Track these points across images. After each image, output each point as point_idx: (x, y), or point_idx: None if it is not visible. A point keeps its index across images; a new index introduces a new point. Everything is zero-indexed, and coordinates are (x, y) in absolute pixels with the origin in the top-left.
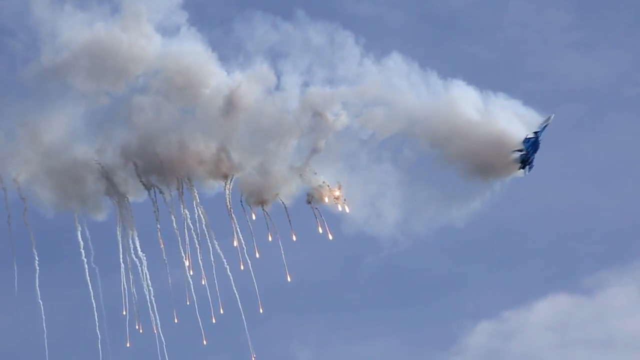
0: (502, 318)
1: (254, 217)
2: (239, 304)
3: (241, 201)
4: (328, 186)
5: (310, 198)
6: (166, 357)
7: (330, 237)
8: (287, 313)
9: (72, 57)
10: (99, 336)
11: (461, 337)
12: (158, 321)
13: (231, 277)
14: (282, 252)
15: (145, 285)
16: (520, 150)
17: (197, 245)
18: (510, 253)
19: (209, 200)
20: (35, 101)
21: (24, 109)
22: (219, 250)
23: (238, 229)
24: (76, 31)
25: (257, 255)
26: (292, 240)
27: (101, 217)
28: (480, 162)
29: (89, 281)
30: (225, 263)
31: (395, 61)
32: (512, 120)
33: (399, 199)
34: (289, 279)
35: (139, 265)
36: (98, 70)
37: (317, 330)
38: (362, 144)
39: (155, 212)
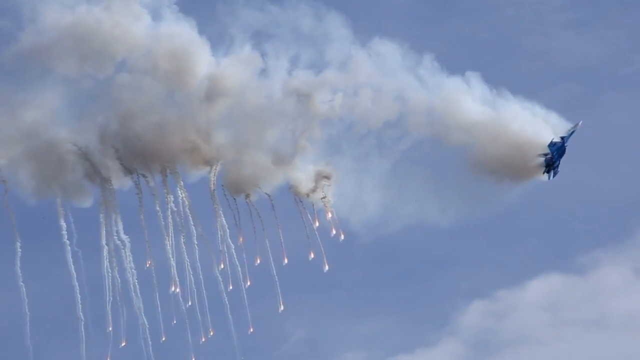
0: (495, 297)
1: (236, 205)
2: (221, 285)
3: (223, 189)
4: (318, 192)
5: (295, 190)
6: (149, 339)
7: (317, 224)
8: (281, 292)
9: (54, 40)
10: (82, 319)
11: (454, 316)
12: (141, 304)
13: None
14: (267, 237)
15: (128, 268)
16: (546, 154)
17: (180, 229)
18: (504, 233)
19: (193, 186)
20: (16, 84)
21: (4, 91)
22: (202, 234)
23: (222, 212)
24: (59, 13)
25: (241, 240)
26: (277, 226)
27: (86, 203)
28: (487, 158)
29: (71, 264)
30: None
31: (388, 45)
32: (519, 117)
33: (388, 188)
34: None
35: (122, 248)
36: (80, 53)
37: (311, 309)
38: (351, 132)
39: (138, 195)
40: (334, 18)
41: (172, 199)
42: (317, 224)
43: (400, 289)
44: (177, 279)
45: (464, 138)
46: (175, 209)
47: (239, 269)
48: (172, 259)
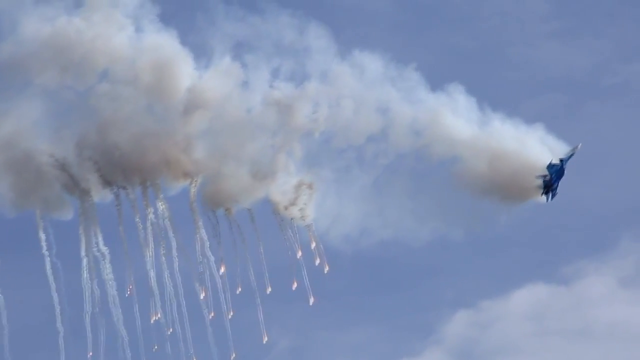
0: (480, 307)
1: (216, 219)
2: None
3: (202, 203)
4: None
5: (275, 207)
6: (128, 351)
7: (300, 253)
8: (267, 301)
9: (33, 51)
10: (61, 330)
11: (439, 326)
12: (120, 315)
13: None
14: (248, 253)
15: (107, 280)
16: (544, 176)
17: (160, 241)
18: (488, 243)
19: (173, 199)
20: None
21: None
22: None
23: (202, 224)
24: (38, 25)
25: (222, 269)
26: (258, 242)
27: (66, 216)
28: (476, 176)
29: (50, 275)
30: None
31: (371, 57)
32: (505, 133)
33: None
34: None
35: (101, 259)
36: (60, 64)
37: (296, 319)
38: (332, 145)
39: (118, 207)
40: (316, 29)
41: (152, 211)
42: (300, 253)
43: (385, 299)
44: (156, 291)
45: (448, 153)
46: (155, 221)
47: (222, 296)
48: (151, 270)
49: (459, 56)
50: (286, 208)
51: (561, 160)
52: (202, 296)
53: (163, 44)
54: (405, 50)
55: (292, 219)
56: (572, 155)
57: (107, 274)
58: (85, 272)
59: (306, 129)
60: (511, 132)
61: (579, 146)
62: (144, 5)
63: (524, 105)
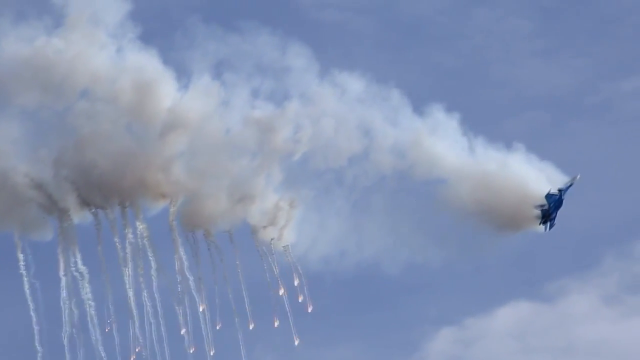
0: (464, 325)
1: (195, 241)
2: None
3: (181, 224)
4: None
5: (255, 229)
6: None
7: (282, 290)
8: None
9: (12, 72)
10: (40, 350)
11: (423, 343)
12: (98, 336)
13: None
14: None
15: (85, 300)
16: (542, 206)
17: (139, 262)
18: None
19: (153, 219)
20: None
21: None
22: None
23: (180, 244)
24: (17, 45)
25: (202, 307)
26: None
27: (46, 237)
28: (465, 202)
29: (28, 295)
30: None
31: (353, 77)
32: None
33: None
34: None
35: (80, 279)
36: (40, 84)
37: (280, 335)
38: (312, 166)
39: (97, 227)
40: (297, 48)
41: (131, 231)
42: (282, 290)
43: (369, 316)
44: (135, 312)
45: (430, 175)
46: (134, 241)
47: (203, 332)
48: (130, 289)
49: (443, 75)
50: (265, 229)
51: (560, 191)
52: (182, 331)
53: (143, 63)
54: (388, 69)
55: (271, 240)
56: (570, 185)
57: (85, 294)
58: (63, 292)
59: (286, 149)
60: (494, 155)
61: (578, 177)
62: (124, 25)
63: (507, 124)
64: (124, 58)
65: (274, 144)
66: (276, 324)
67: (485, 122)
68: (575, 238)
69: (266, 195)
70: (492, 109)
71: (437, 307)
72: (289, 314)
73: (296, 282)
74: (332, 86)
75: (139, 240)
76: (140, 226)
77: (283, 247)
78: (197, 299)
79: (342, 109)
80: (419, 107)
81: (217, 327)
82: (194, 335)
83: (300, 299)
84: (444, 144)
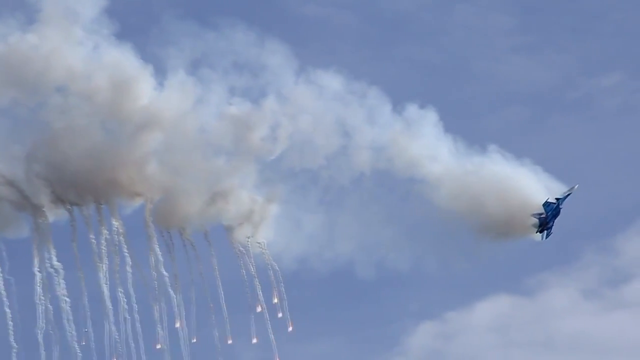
0: (444, 319)
1: (171, 239)
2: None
3: (157, 222)
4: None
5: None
6: None
7: (260, 308)
8: (229, 311)
9: None
10: (15, 346)
11: (404, 337)
12: (74, 332)
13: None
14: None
15: (60, 296)
16: (540, 214)
17: (114, 259)
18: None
19: (128, 217)
20: None
21: None
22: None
23: (155, 242)
24: None
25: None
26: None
27: (21, 234)
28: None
29: (3, 291)
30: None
31: (332, 73)
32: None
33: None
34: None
35: (55, 275)
36: (14, 81)
37: (260, 329)
38: (289, 165)
39: (72, 224)
40: (275, 45)
41: (106, 227)
42: (259, 308)
43: (349, 311)
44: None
45: (408, 173)
46: (109, 238)
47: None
48: (105, 285)
49: (424, 70)
50: (241, 228)
51: (558, 200)
52: (157, 346)
53: (118, 60)
54: (369, 65)
55: (247, 238)
56: (568, 194)
57: (60, 290)
58: (38, 288)
59: (263, 147)
60: (474, 154)
61: (576, 187)
62: (99, 21)
63: (487, 120)
64: (100, 54)
65: (250, 142)
66: (254, 340)
67: (465, 119)
68: (555, 232)
69: (242, 194)
70: (473, 105)
71: (418, 301)
72: (269, 329)
73: (280, 315)
74: (310, 83)
75: (115, 237)
76: (116, 223)
77: (259, 245)
78: (173, 296)
79: (320, 107)
80: (398, 104)
81: (193, 340)
82: (169, 332)
83: (280, 315)
84: (423, 142)
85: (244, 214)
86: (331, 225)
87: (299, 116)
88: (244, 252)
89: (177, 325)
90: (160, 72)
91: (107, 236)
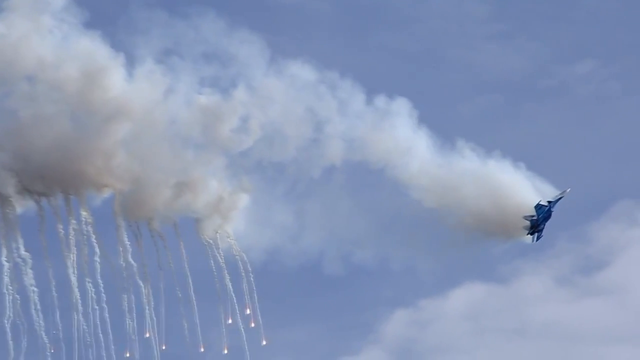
0: (418, 306)
1: (138, 229)
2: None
3: (125, 214)
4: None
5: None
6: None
7: (230, 320)
8: (203, 299)
9: None
10: None
11: (378, 325)
12: (42, 322)
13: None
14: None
15: (28, 286)
16: (532, 216)
17: (83, 247)
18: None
19: (96, 209)
20: None
21: None
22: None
23: (124, 231)
24: None
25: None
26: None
27: None
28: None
29: None
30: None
31: (304, 62)
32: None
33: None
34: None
35: (22, 265)
36: None
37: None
38: (260, 156)
39: (40, 214)
40: (246, 34)
41: (75, 217)
42: (230, 320)
43: (323, 298)
44: (78, 296)
45: (381, 164)
46: (77, 228)
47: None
48: (73, 275)
49: (398, 58)
50: (210, 220)
51: (549, 202)
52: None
53: (88, 49)
54: (342, 54)
55: (216, 231)
56: (560, 198)
57: (28, 280)
58: (6, 278)
59: (232, 139)
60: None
61: (568, 190)
62: (68, 10)
63: (462, 108)
64: (69, 43)
65: (220, 133)
66: (225, 351)
67: (440, 107)
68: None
69: (211, 185)
70: (447, 94)
71: (392, 289)
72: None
73: (252, 325)
74: (281, 73)
75: (83, 227)
76: (84, 213)
77: (227, 236)
78: (142, 286)
79: (291, 97)
80: (372, 94)
81: (163, 348)
82: (137, 322)
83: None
84: (395, 133)
85: (213, 206)
86: (301, 217)
87: (269, 107)
88: (213, 243)
89: (147, 335)
90: (130, 62)
91: (76, 226)
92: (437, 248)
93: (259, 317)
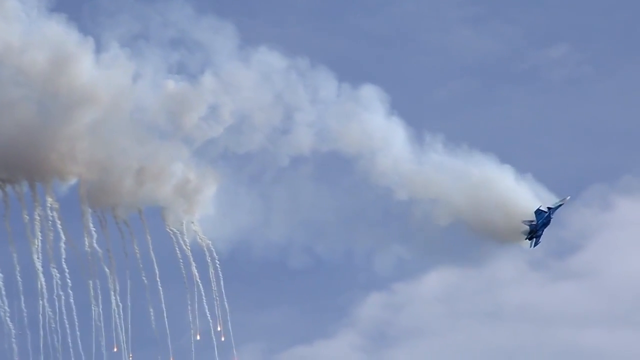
0: (392, 290)
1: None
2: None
3: (90, 202)
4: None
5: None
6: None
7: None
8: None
9: None
10: None
11: (352, 308)
12: (7, 307)
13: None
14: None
15: None
16: (531, 222)
17: (48, 233)
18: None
19: (62, 196)
20: None
21: None
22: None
23: (90, 218)
24: None
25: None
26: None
27: None
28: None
29: None
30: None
31: (275, 48)
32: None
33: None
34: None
35: None
36: None
37: (210, 300)
38: (227, 145)
39: (4, 200)
40: (215, 20)
41: (40, 204)
42: (197, 326)
43: (297, 281)
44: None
45: (352, 153)
46: (42, 214)
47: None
48: (38, 261)
49: (371, 42)
50: (176, 208)
51: (549, 209)
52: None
53: (54, 34)
54: (314, 38)
55: (183, 219)
56: (560, 205)
57: None
58: None
59: (199, 126)
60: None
61: (567, 198)
62: None
63: (435, 91)
64: (35, 28)
65: (187, 121)
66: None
67: (413, 91)
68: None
69: (177, 173)
70: (422, 77)
71: (366, 272)
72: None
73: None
74: (250, 60)
75: (49, 213)
76: (50, 200)
77: (193, 224)
78: (107, 272)
79: (260, 85)
80: (343, 80)
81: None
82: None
83: (223, 339)
84: (367, 121)
85: (180, 194)
86: (268, 206)
87: (238, 94)
88: (178, 232)
89: (115, 349)
90: (96, 48)
91: (41, 212)
92: (408, 238)
93: (226, 306)
